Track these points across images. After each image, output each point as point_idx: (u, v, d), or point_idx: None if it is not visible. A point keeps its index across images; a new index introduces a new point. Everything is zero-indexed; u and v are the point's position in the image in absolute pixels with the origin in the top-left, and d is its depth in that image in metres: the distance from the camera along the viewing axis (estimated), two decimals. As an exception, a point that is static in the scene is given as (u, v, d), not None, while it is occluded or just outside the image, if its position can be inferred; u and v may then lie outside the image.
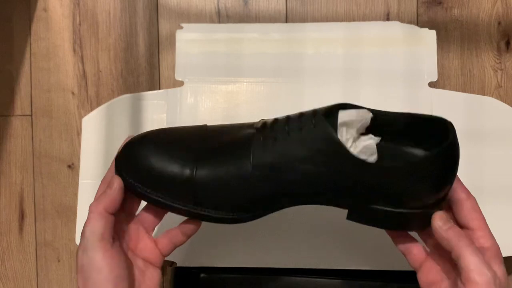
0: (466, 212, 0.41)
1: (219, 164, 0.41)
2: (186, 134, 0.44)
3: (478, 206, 0.41)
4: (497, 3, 0.65)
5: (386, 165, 0.39)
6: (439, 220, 0.40)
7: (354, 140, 0.42)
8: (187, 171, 0.41)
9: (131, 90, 0.66)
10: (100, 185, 0.43)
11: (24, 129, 0.67)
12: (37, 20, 0.67)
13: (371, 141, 0.42)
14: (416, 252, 0.43)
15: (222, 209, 0.41)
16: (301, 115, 0.42)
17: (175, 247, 0.44)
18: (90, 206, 0.40)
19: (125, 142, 0.43)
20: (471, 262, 0.37)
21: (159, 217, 0.45)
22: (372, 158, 0.41)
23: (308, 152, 0.39)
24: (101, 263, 0.38)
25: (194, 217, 0.42)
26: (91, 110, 0.67)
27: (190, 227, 0.43)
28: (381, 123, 0.43)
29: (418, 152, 0.44)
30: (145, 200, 0.43)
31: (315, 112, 0.41)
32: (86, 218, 0.40)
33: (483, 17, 0.65)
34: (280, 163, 0.40)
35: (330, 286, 0.59)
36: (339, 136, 0.40)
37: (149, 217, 0.44)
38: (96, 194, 0.43)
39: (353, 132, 0.42)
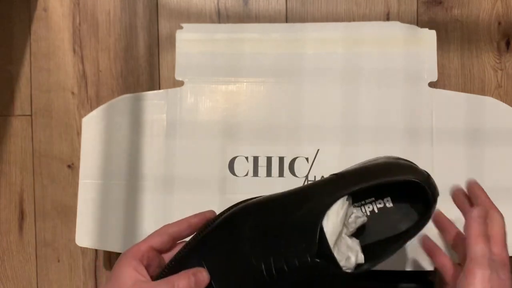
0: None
1: None
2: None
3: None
4: (497, 3, 0.65)
5: None
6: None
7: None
8: None
9: (131, 90, 0.66)
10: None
11: (24, 129, 0.67)
12: (37, 20, 0.67)
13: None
14: (452, 271, 0.46)
15: None
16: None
17: None
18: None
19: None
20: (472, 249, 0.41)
21: None
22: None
23: None
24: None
25: None
26: (91, 110, 0.67)
27: None
28: None
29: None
30: None
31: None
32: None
33: (483, 17, 0.65)
34: None
35: None
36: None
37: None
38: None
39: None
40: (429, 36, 0.61)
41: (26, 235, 0.67)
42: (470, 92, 0.64)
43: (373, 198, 0.45)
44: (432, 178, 0.43)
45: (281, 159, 0.60)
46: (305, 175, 0.60)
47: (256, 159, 0.60)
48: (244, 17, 0.66)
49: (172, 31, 0.66)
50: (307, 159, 0.60)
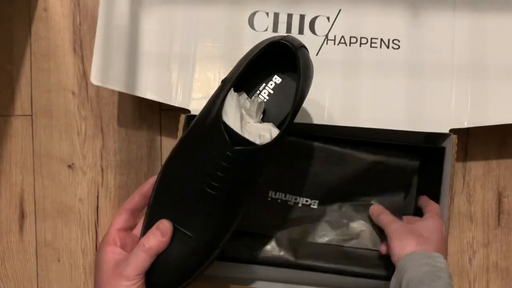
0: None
1: None
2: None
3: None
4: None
5: None
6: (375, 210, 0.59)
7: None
8: None
9: (131, 90, 0.66)
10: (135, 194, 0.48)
11: (24, 129, 0.67)
12: (37, 20, 0.67)
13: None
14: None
15: None
16: None
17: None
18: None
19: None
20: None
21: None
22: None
23: None
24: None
25: None
26: (91, 110, 0.67)
27: None
28: None
29: None
30: None
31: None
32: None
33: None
34: None
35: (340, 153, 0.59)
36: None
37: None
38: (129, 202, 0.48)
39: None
40: None
41: (27, 235, 0.67)
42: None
43: (264, 84, 0.52)
44: (292, 36, 0.47)
45: (302, 17, 0.59)
46: (325, 34, 0.59)
47: (276, 15, 0.59)
48: None
49: (172, 31, 0.66)
50: (328, 18, 0.59)
